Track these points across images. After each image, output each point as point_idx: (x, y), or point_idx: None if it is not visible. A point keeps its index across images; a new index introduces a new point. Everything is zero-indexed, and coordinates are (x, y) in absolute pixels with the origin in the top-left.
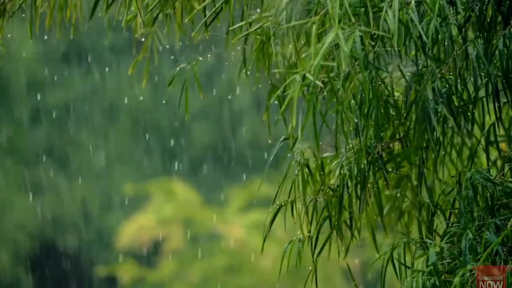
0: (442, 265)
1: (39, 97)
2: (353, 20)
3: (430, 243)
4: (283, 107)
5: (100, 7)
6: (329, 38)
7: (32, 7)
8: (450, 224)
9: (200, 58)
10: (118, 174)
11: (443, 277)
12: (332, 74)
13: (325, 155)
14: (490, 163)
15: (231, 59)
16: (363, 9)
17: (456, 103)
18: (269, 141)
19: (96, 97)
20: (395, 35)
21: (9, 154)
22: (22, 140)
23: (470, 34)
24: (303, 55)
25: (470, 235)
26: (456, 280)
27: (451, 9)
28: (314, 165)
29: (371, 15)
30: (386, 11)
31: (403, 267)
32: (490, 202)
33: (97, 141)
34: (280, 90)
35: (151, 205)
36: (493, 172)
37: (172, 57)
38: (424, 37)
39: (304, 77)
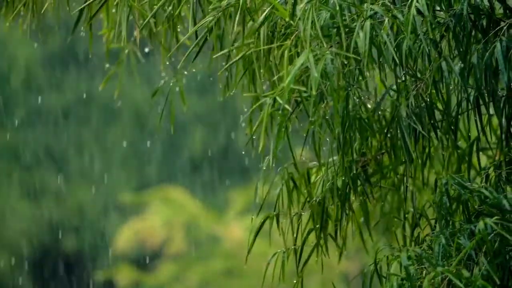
0: (419, 270)
1: (38, 100)
2: (324, 44)
3: (408, 249)
4: (253, 130)
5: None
6: (299, 61)
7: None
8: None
9: (185, 73)
10: (117, 178)
11: (419, 282)
12: (305, 95)
13: (312, 164)
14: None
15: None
16: (335, 30)
17: (439, 118)
18: (253, 156)
19: (95, 100)
20: (365, 57)
21: (8, 158)
22: (21, 143)
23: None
24: (274, 78)
25: (443, 241)
26: (425, 283)
27: (425, 25)
28: (299, 177)
29: (343, 36)
30: (358, 32)
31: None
32: (466, 208)
33: (96, 145)
34: (248, 114)
35: (150, 209)
36: (477, 181)
37: (167, 62)
38: (396, 57)
39: (275, 100)
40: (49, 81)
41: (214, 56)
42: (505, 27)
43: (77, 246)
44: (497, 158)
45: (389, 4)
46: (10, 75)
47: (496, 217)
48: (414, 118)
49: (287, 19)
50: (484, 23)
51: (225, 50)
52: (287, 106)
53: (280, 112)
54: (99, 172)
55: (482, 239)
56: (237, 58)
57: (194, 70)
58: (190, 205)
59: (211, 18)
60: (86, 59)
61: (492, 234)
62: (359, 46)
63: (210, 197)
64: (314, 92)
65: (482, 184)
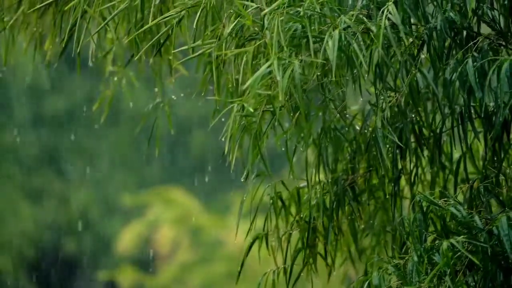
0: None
1: (39, 103)
2: (285, 50)
3: (380, 267)
4: (226, 143)
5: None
6: (264, 67)
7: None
8: (405, 248)
9: (174, 97)
10: (119, 180)
11: None
12: (278, 105)
13: (301, 185)
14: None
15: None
16: (305, 40)
17: (426, 134)
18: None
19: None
20: (333, 64)
21: (10, 160)
22: (23, 146)
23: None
24: (244, 85)
25: (415, 258)
26: None
27: (398, 38)
28: (287, 196)
29: (311, 45)
30: (327, 41)
31: None
32: (444, 224)
33: (97, 148)
34: (217, 117)
35: (152, 211)
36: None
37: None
38: (365, 65)
39: (243, 107)
40: (51, 83)
41: (173, 51)
42: (481, 42)
43: (79, 247)
44: (475, 185)
45: (362, 17)
46: (13, 77)
47: (463, 236)
48: (390, 129)
49: (252, 26)
50: (463, 38)
51: (184, 47)
52: (251, 109)
53: (246, 117)
54: (102, 173)
55: (454, 256)
56: (195, 55)
57: (182, 95)
58: (192, 207)
59: (173, 13)
60: (86, 63)
61: (458, 254)
62: (328, 53)
63: (212, 200)
64: (281, 98)
65: (453, 203)
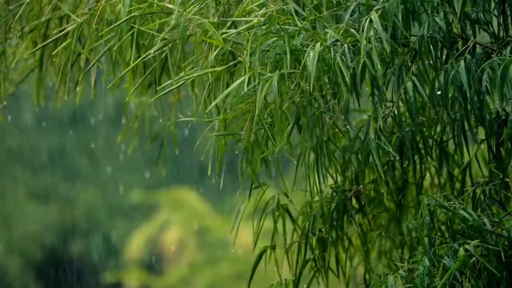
0: None
1: (46, 104)
2: (260, 68)
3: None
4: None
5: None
6: (237, 82)
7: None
8: (414, 252)
9: (181, 115)
10: (126, 182)
11: None
12: (269, 121)
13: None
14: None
15: None
16: (287, 56)
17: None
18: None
19: (103, 104)
20: (311, 77)
21: (17, 161)
22: (30, 147)
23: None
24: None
25: (427, 262)
26: None
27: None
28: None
29: (289, 59)
30: (308, 54)
31: None
32: (450, 227)
33: (105, 149)
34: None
35: (159, 212)
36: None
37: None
38: (347, 79)
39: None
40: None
41: (159, 88)
42: (475, 47)
43: (86, 249)
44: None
45: (350, 29)
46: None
47: (476, 241)
48: (385, 140)
49: (224, 47)
50: (458, 46)
51: (169, 81)
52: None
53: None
54: (109, 174)
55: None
56: (176, 86)
57: (180, 117)
58: (199, 209)
59: (155, 49)
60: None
61: (474, 258)
62: (308, 66)
63: (219, 200)
64: (257, 112)
65: (462, 206)
